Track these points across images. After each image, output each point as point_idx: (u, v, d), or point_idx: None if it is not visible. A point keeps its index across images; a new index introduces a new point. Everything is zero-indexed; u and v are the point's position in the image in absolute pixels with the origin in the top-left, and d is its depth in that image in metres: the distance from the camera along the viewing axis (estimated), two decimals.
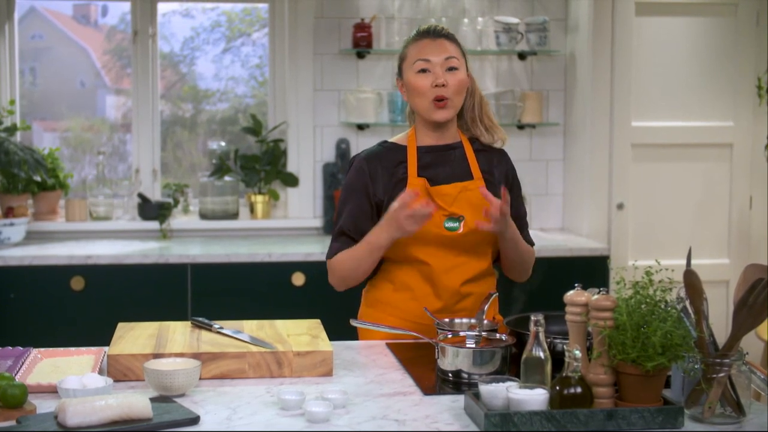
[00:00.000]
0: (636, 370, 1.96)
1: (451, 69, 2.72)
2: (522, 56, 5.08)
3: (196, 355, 2.30)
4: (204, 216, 5.00)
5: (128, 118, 5.22)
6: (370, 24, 4.92)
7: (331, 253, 2.77)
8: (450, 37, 2.78)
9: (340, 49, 5.00)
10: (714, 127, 5.01)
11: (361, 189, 2.74)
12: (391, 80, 5.06)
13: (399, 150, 2.78)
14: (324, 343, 2.43)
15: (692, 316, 2.05)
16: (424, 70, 2.72)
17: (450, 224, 2.70)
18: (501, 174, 2.83)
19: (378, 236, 2.64)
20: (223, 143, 5.24)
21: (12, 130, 4.75)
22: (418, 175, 2.73)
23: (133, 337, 2.46)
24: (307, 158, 5.06)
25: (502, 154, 2.88)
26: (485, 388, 2.00)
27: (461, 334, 2.44)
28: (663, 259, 2.26)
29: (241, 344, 2.40)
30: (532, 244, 2.90)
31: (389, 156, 2.77)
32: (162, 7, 5.15)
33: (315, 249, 4.51)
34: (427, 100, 2.72)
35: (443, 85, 2.70)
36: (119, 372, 2.28)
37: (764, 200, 4.98)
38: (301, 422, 1.99)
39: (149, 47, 5.08)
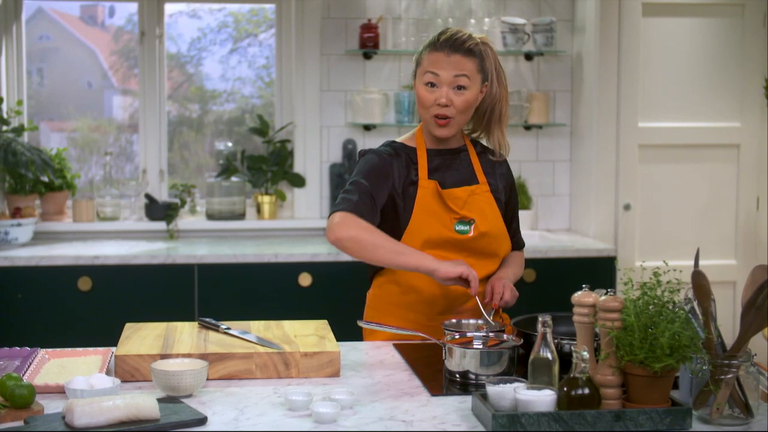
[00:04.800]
0: (644, 371, 1.96)
1: (460, 88, 2.65)
2: (528, 57, 5.08)
3: (203, 356, 2.30)
4: (211, 216, 5.01)
5: (135, 118, 5.23)
6: (377, 24, 4.92)
7: (348, 206, 2.55)
8: (470, 53, 2.65)
9: (347, 50, 5.00)
10: (721, 128, 5.01)
11: (387, 169, 2.67)
12: (397, 81, 5.06)
13: (409, 151, 2.76)
14: (331, 344, 2.43)
15: (700, 317, 2.05)
16: (431, 84, 2.67)
17: (460, 227, 2.70)
18: (502, 178, 2.84)
19: (424, 254, 2.53)
20: (229, 144, 5.25)
21: (19, 130, 4.76)
22: (429, 178, 2.72)
23: (141, 338, 2.47)
24: (314, 159, 5.06)
25: (502, 159, 2.87)
26: (493, 389, 1.99)
27: (468, 334, 2.44)
28: (670, 259, 2.26)
29: (249, 345, 2.41)
30: (522, 245, 2.96)
31: (400, 155, 2.74)
32: (169, 8, 5.16)
33: (322, 249, 4.51)
34: (429, 114, 2.69)
35: (447, 105, 2.66)
36: (127, 372, 2.29)
37: None
38: (308, 423, 1.99)
39: (156, 48, 5.08)
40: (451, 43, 2.65)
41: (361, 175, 2.65)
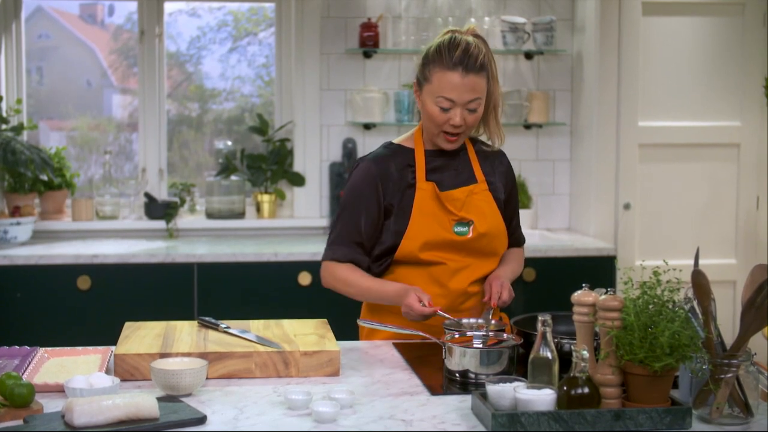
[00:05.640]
0: (643, 371, 1.96)
1: (472, 110, 2.64)
2: (529, 56, 5.08)
3: (202, 355, 2.30)
4: (210, 215, 5.01)
5: (135, 117, 5.23)
6: (377, 23, 4.91)
7: (335, 255, 2.74)
8: (482, 70, 2.62)
9: (347, 49, 5.00)
10: (721, 127, 5.00)
11: (370, 192, 2.70)
12: (397, 80, 5.05)
13: (406, 152, 2.76)
14: (331, 343, 2.42)
15: (700, 316, 2.05)
16: (445, 108, 2.63)
17: (459, 229, 2.70)
18: (501, 176, 2.83)
19: (387, 290, 2.66)
20: (229, 143, 5.25)
21: (19, 129, 4.75)
22: (427, 180, 2.72)
23: (140, 337, 2.47)
24: (314, 158, 5.06)
25: (502, 156, 2.86)
26: (492, 388, 1.99)
27: (468, 334, 2.43)
28: (670, 259, 2.26)
29: (248, 344, 2.40)
30: (522, 241, 2.96)
31: (397, 158, 2.74)
32: (168, 7, 5.15)
33: (321, 249, 4.46)
34: (439, 130, 2.67)
35: (460, 125, 2.64)
36: (126, 371, 2.29)
37: None
38: (308, 422, 1.98)
39: (156, 46, 5.08)
40: (465, 63, 2.59)
41: (343, 205, 2.76)
